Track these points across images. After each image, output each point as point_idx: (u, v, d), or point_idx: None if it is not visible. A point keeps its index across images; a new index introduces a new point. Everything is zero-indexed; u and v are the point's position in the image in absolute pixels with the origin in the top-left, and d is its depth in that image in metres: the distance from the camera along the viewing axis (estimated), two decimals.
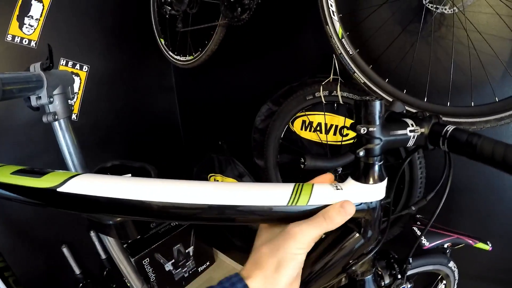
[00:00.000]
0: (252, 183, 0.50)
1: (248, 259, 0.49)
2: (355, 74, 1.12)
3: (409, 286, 0.73)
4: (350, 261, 0.60)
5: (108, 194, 0.47)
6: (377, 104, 0.51)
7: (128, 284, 1.45)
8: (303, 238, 0.44)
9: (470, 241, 1.04)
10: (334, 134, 1.39)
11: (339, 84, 1.25)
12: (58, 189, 0.47)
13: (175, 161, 2.42)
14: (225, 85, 1.94)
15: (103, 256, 2.01)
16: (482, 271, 1.23)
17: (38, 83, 0.94)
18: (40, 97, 0.97)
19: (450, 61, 1.05)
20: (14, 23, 1.64)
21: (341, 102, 1.27)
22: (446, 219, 1.19)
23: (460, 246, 1.06)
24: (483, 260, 1.19)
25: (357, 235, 0.57)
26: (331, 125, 1.39)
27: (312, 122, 1.43)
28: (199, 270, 2.31)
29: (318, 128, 1.43)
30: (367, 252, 0.60)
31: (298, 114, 1.44)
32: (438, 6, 1.00)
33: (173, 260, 2.08)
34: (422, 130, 0.57)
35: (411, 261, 0.75)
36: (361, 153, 0.51)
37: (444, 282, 1.09)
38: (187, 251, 2.17)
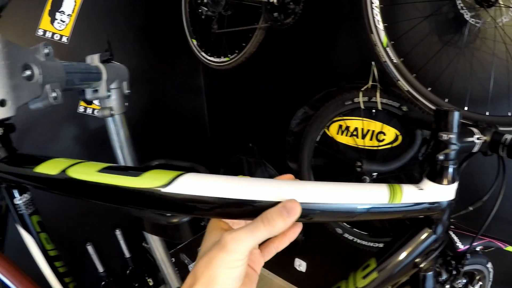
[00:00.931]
0: (343, 183, 0.54)
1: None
2: (399, 82, 1.21)
3: (463, 281, 0.82)
4: (420, 257, 0.69)
5: (228, 195, 0.45)
6: (457, 114, 0.61)
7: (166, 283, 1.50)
8: (238, 248, 0.39)
9: (501, 244, 1.13)
10: (371, 139, 1.48)
11: (378, 90, 1.34)
12: (163, 190, 0.45)
13: (201, 161, 2.47)
14: (258, 88, 2.01)
15: (127, 255, 2.09)
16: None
17: (97, 75, 0.92)
18: (97, 90, 0.96)
19: (487, 72, 1.15)
20: (46, 18, 1.71)
21: (379, 108, 1.36)
22: (477, 224, 1.28)
23: (491, 249, 1.15)
24: None
25: (430, 231, 0.67)
26: (368, 130, 1.48)
27: (348, 126, 1.52)
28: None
29: (354, 133, 1.52)
30: (436, 248, 0.69)
31: (335, 119, 1.53)
32: (479, 21, 1.09)
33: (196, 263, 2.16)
34: (486, 138, 0.68)
35: (468, 257, 0.84)
36: (441, 157, 0.61)
37: (480, 283, 1.17)
38: None
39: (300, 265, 2.15)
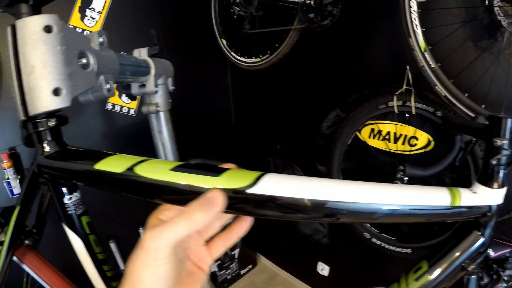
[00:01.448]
0: (403, 185, 0.58)
1: None
2: (436, 87, 1.25)
3: (504, 285, 0.85)
4: (468, 260, 0.73)
5: (317, 197, 0.45)
6: (510, 121, 0.66)
7: None
8: (157, 246, 0.37)
9: None
10: (403, 143, 1.51)
11: (413, 95, 1.38)
12: (248, 190, 0.43)
13: (227, 161, 2.50)
14: (289, 89, 2.04)
15: None
16: None
17: (146, 69, 0.92)
18: (144, 85, 0.94)
19: None
20: (76, 15, 1.75)
21: (413, 113, 1.39)
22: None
23: None
24: None
25: (478, 234, 0.71)
26: (400, 135, 1.51)
27: (381, 130, 1.56)
28: (241, 273, 2.45)
29: (387, 137, 1.55)
30: (483, 251, 0.73)
31: (368, 122, 1.56)
32: None
33: (219, 262, 2.22)
34: None
35: (511, 261, 0.87)
36: (494, 162, 0.66)
37: None
38: (233, 253, 2.31)
39: (323, 269, 2.17)
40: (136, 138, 1.96)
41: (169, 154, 1.15)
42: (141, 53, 0.99)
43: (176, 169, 0.47)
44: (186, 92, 2.25)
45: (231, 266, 2.32)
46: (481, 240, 0.71)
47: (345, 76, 1.74)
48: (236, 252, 2.33)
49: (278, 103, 2.16)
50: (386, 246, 1.62)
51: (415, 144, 1.48)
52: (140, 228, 2.09)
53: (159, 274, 0.38)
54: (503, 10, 1.12)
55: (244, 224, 0.49)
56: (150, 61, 0.94)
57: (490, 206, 0.67)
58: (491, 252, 1.13)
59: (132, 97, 0.98)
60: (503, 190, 0.68)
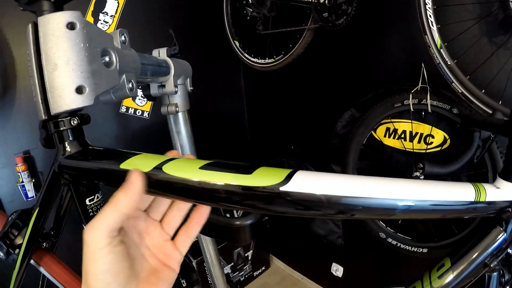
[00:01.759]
0: (431, 181, 0.55)
1: None
2: (453, 84, 1.24)
3: None
4: (491, 257, 0.72)
5: (349, 194, 0.44)
6: None
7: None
8: (91, 237, 0.38)
9: None
10: (419, 142, 1.50)
11: (429, 93, 1.36)
12: (281, 188, 0.42)
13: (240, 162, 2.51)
14: (303, 89, 2.04)
15: None
16: None
17: (166, 69, 0.91)
18: (163, 86, 0.94)
19: None
20: (89, 19, 1.77)
21: (429, 110, 1.38)
22: None
23: None
24: None
25: (501, 229, 0.70)
26: (416, 133, 1.50)
27: (396, 129, 1.55)
28: (255, 275, 2.44)
29: (402, 136, 1.54)
30: (505, 247, 0.72)
31: (383, 121, 1.55)
32: None
33: (232, 263, 2.22)
34: None
35: None
36: None
37: None
38: (246, 254, 2.31)
39: (337, 270, 2.16)
40: (151, 140, 1.97)
41: (188, 156, 1.12)
42: (161, 53, 0.98)
43: (205, 167, 0.46)
44: (199, 94, 2.25)
45: (244, 267, 2.32)
46: (504, 236, 0.70)
47: (359, 75, 1.73)
48: (249, 253, 2.32)
49: (292, 103, 2.16)
50: (402, 246, 1.61)
51: (431, 143, 1.47)
52: None
53: (102, 266, 0.38)
54: None
55: (203, 212, 0.49)
56: (169, 61, 0.93)
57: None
58: (509, 250, 1.12)
59: (151, 98, 0.96)
60: None
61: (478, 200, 0.58)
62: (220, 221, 0.97)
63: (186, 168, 0.46)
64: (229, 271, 2.20)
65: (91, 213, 0.77)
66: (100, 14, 1.82)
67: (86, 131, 1.71)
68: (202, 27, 2.20)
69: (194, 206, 0.49)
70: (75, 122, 0.64)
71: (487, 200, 0.60)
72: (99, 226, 0.37)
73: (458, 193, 0.56)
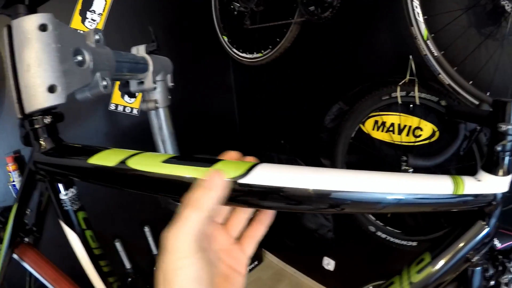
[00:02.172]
0: (404, 174, 0.55)
1: None
2: (440, 75, 1.22)
3: (509, 277, 0.82)
4: (473, 251, 0.70)
5: (316, 186, 0.44)
6: None
7: None
8: (177, 245, 0.36)
9: None
10: (407, 135, 1.48)
11: (416, 85, 1.35)
12: (240, 181, 0.43)
13: None
14: (291, 83, 2.02)
15: (155, 252, 2.13)
16: None
17: (144, 66, 0.91)
18: (142, 82, 0.94)
19: None
20: (77, 17, 1.75)
21: (417, 103, 1.36)
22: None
23: None
24: None
25: (482, 224, 0.68)
26: (405, 126, 1.48)
27: (385, 122, 1.53)
28: (248, 269, 2.41)
29: (391, 129, 1.52)
30: (488, 241, 0.70)
31: (371, 114, 1.53)
32: None
33: None
34: None
35: (501, 246, 0.84)
36: (499, 148, 0.63)
37: None
38: None
39: (329, 264, 2.16)
40: (140, 137, 1.94)
41: (170, 150, 1.14)
42: (139, 50, 0.98)
43: (168, 161, 0.47)
44: (189, 90, 2.25)
45: None
46: (486, 230, 0.68)
47: (347, 68, 1.72)
48: None
49: (281, 97, 2.15)
50: (392, 239, 1.60)
51: (420, 135, 1.46)
52: (146, 227, 2.08)
53: (187, 275, 0.35)
54: None
55: (269, 212, 0.48)
56: (148, 57, 0.93)
57: (495, 195, 0.64)
58: (497, 243, 1.11)
59: (131, 95, 0.97)
60: (509, 178, 0.65)
61: (456, 193, 0.57)
62: None
63: (149, 162, 0.49)
64: None
65: (66, 207, 0.80)
66: (88, 12, 1.79)
67: (76, 130, 1.71)
68: (191, 23, 2.17)
69: None
70: (48, 120, 0.67)
71: (465, 193, 0.59)
72: (183, 232, 0.36)
73: (435, 186, 0.55)
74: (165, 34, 2.08)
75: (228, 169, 0.44)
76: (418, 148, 1.46)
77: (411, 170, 1.38)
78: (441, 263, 0.70)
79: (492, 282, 0.85)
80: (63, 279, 1.02)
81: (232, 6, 1.80)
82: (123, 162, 0.50)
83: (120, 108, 1.92)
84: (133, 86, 0.96)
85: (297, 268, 2.45)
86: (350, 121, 1.57)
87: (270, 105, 2.25)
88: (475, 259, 0.70)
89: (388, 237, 1.61)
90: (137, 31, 1.93)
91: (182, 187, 0.44)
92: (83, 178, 0.60)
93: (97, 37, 0.67)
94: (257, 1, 1.71)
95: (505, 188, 0.65)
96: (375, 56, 1.60)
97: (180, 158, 0.48)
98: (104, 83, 0.67)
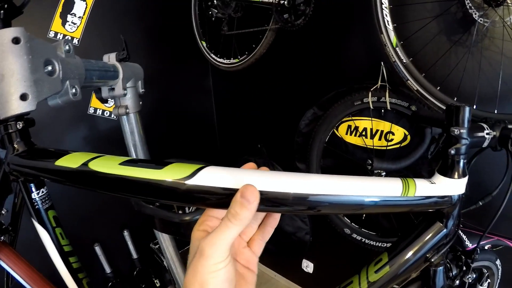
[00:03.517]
0: (364, 178, 0.56)
1: None
2: (408, 81, 1.24)
3: (474, 276, 0.83)
4: (432, 251, 0.71)
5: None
6: (468, 110, 0.64)
7: (175, 283, 1.51)
8: (215, 251, 0.40)
9: (509, 243, 1.14)
10: (379, 139, 1.50)
11: (387, 90, 1.36)
12: (187, 182, 0.45)
13: (209, 162, 2.50)
14: (267, 88, 2.03)
15: (134, 256, 2.11)
16: None
17: (115, 74, 0.95)
18: (113, 89, 0.98)
19: (495, 71, 1.18)
20: (57, 20, 1.74)
21: (388, 108, 1.38)
22: (485, 222, 1.30)
23: (499, 247, 1.16)
24: None
25: (440, 225, 0.70)
26: (377, 130, 1.50)
27: (358, 127, 1.54)
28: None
29: (363, 133, 1.54)
30: (447, 242, 0.71)
31: (344, 119, 1.55)
32: (487, 21, 1.12)
33: None
34: (495, 133, 0.70)
35: (479, 251, 0.86)
36: (452, 151, 0.64)
37: (489, 280, 1.19)
38: None
39: (308, 266, 2.15)
40: (118, 140, 1.93)
41: (140, 153, 1.16)
42: (110, 58, 1.02)
43: (124, 163, 0.51)
44: (168, 95, 2.25)
45: None
46: (444, 231, 0.70)
47: (322, 74, 1.73)
48: None
49: (258, 102, 2.15)
50: (367, 241, 1.61)
51: (392, 139, 1.47)
52: (125, 231, 2.06)
53: (221, 277, 0.40)
54: (474, 3, 1.12)
55: (276, 216, 0.52)
56: (118, 65, 0.98)
57: (450, 197, 0.66)
58: (468, 244, 1.12)
59: (103, 101, 1.00)
60: (465, 180, 0.66)
61: (405, 195, 0.58)
62: (172, 217, 1.00)
63: (108, 164, 0.52)
64: None
65: (37, 206, 0.87)
66: (68, 16, 1.78)
67: (55, 134, 1.71)
68: (171, 28, 2.18)
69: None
70: (21, 125, 0.75)
71: (416, 195, 0.60)
72: (223, 241, 0.40)
73: (384, 188, 0.56)
74: (146, 38, 2.08)
75: (177, 171, 0.47)
76: (390, 152, 1.47)
77: (384, 173, 1.39)
78: (398, 263, 0.71)
79: (457, 282, 0.86)
80: (38, 278, 1.04)
81: (210, 12, 1.80)
82: (85, 164, 0.54)
83: (99, 112, 1.92)
84: (105, 92, 1.00)
85: (277, 271, 2.44)
86: (324, 126, 1.58)
87: (248, 110, 2.26)
88: (434, 259, 0.71)
89: (364, 239, 1.62)
90: (117, 34, 1.91)
91: (136, 187, 0.49)
92: (51, 179, 0.64)
93: (67, 47, 0.72)
94: (235, 8, 1.71)
95: (461, 190, 0.66)
96: (349, 62, 1.62)
97: (135, 161, 0.52)
98: (73, 90, 0.72)
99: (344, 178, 0.53)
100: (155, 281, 2.19)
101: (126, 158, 0.52)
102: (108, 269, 2.03)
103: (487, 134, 0.69)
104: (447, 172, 0.66)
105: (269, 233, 0.52)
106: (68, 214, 1.82)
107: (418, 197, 0.61)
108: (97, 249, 1.98)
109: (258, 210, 0.43)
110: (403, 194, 0.57)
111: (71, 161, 0.57)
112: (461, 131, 0.64)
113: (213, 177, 0.45)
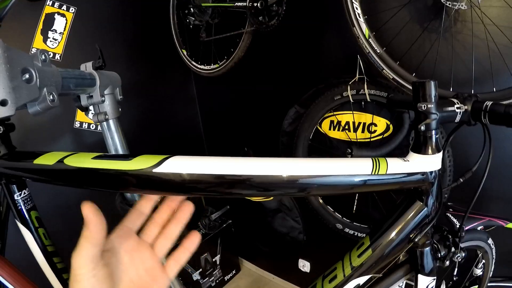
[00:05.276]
0: (331, 158, 0.57)
1: None
2: (384, 71, 1.23)
3: (463, 254, 0.81)
4: (415, 231, 0.69)
5: (215, 172, 0.48)
6: (433, 84, 0.63)
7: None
8: (76, 262, 0.42)
9: (501, 222, 1.13)
10: (362, 131, 1.49)
11: (365, 82, 1.35)
12: (154, 170, 0.47)
13: None
14: (249, 91, 2.03)
15: None
16: None
17: (92, 81, 0.96)
18: (91, 96, 1.00)
19: (468, 53, 1.18)
20: (39, 37, 1.74)
21: (368, 100, 1.37)
22: (476, 204, 1.29)
23: (492, 228, 1.15)
24: None
25: (420, 204, 0.68)
26: (359, 123, 1.49)
27: (340, 121, 1.53)
28: (226, 279, 2.37)
29: (346, 127, 1.53)
30: (429, 221, 0.69)
31: (326, 115, 1.54)
32: (455, 3, 1.12)
33: (201, 269, 2.15)
34: (466, 107, 0.69)
35: (465, 228, 0.84)
36: (423, 128, 0.63)
37: (483, 261, 1.17)
38: (214, 259, 2.24)
39: (304, 265, 2.13)
40: (105, 152, 1.92)
41: None
42: (87, 67, 1.03)
43: (96, 157, 0.53)
44: (152, 105, 2.23)
45: (213, 272, 2.25)
46: (424, 209, 0.68)
47: (301, 72, 1.73)
48: (217, 258, 2.26)
49: (241, 106, 2.15)
50: (360, 234, 1.60)
51: (375, 131, 1.47)
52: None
53: (86, 286, 0.42)
54: None
55: (194, 240, 0.52)
56: (94, 73, 0.98)
57: (425, 173, 0.64)
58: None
59: (83, 109, 1.02)
60: (439, 155, 0.65)
61: (376, 173, 0.57)
62: None
63: (82, 159, 0.54)
64: (198, 278, 2.14)
65: (19, 207, 0.89)
66: (49, 32, 1.78)
67: (42, 147, 1.68)
68: (152, 39, 2.17)
69: (184, 233, 0.53)
70: (1, 129, 0.80)
71: (388, 172, 0.58)
72: (82, 254, 0.42)
73: (353, 167, 0.55)
74: (127, 50, 2.07)
75: (145, 161, 0.49)
76: (375, 144, 1.46)
77: None
78: (380, 245, 0.70)
79: (447, 263, 0.84)
80: (29, 285, 1.01)
81: (188, 20, 1.79)
82: (60, 161, 0.57)
83: (85, 125, 1.90)
84: (84, 100, 1.00)
85: (275, 273, 2.42)
86: (307, 123, 1.57)
87: (232, 114, 2.25)
88: (417, 239, 0.70)
89: (356, 233, 1.61)
90: (99, 47, 1.92)
91: (107, 178, 0.52)
92: (31, 178, 0.68)
93: (43, 57, 0.72)
94: (212, 14, 1.71)
95: (437, 166, 0.65)
96: (326, 58, 1.62)
97: (108, 156, 0.54)
98: (51, 97, 0.72)
99: (309, 160, 0.54)
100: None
101: (99, 154, 0.55)
102: None
103: (458, 108, 0.68)
104: (421, 149, 0.65)
105: (185, 256, 0.52)
106: (53, 213, 1.80)
107: (391, 175, 0.60)
108: None
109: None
110: (373, 172, 0.56)
111: (48, 159, 0.60)
112: (429, 106, 0.63)
113: (179, 164, 0.48)
